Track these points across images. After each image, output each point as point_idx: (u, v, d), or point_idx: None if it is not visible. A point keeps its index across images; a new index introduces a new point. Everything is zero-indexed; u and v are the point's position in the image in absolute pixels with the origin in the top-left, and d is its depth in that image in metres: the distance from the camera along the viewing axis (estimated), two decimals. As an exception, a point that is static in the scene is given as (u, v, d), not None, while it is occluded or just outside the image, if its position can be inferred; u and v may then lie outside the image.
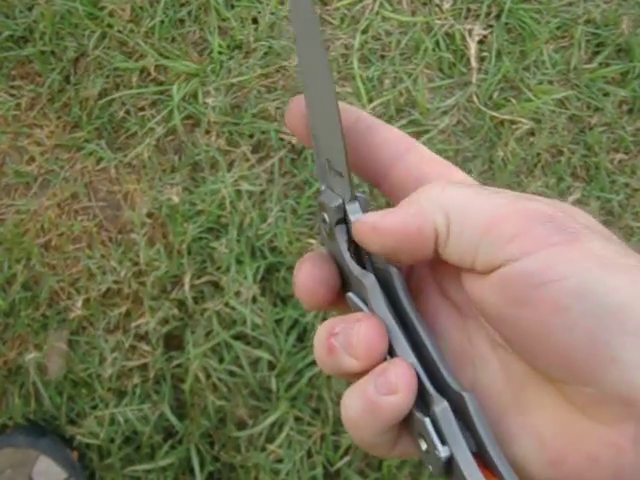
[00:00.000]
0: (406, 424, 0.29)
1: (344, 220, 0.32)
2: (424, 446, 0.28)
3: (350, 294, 0.31)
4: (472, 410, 0.27)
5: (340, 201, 0.32)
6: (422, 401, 0.29)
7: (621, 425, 0.25)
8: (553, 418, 0.28)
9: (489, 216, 0.28)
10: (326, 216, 0.32)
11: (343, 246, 0.32)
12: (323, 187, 0.33)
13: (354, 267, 0.31)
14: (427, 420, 0.27)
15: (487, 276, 0.27)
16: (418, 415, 0.28)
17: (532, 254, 0.26)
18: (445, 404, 0.27)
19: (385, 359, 0.29)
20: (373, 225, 0.30)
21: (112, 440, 0.92)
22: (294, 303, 0.93)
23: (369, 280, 0.31)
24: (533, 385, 0.29)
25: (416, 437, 0.29)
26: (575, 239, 0.26)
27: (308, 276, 0.32)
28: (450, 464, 0.27)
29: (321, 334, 0.31)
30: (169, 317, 0.95)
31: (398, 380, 0.28)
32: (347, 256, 0.32)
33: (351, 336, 0.29)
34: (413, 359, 0.29)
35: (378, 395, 0.28)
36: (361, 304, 0.31)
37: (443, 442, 0.27)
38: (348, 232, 0.32)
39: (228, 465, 0.92)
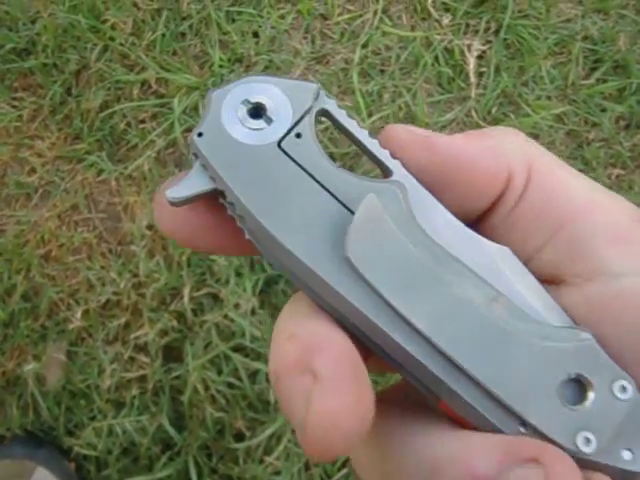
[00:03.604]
0: None
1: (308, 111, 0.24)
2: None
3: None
4: None
5: (317, 85, 0.25)
6: None
7: None
8: None
9: (583, 203, 0.23)
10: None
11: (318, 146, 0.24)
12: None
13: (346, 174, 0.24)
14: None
15: (578, 286, 0.23)
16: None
17: None
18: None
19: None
20: (427, 138, 0.23)
21: (110, 451, 0.92)
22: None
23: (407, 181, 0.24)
24: None
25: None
26: None
27: None
28: None
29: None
30: (168, 329, 0.95)
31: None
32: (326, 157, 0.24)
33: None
34: None
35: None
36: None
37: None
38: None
39: (226, 477, 0.92)
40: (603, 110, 1.11)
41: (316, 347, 0.20)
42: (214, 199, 0.24)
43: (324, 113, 0.25)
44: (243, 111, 0.23)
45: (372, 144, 0.24)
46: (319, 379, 0.19)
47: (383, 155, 0.24)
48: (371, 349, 0.23)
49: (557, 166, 0.23)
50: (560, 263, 0.23)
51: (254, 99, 0.24)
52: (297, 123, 0.23)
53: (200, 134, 0.23)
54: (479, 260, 0.23)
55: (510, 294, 0.22)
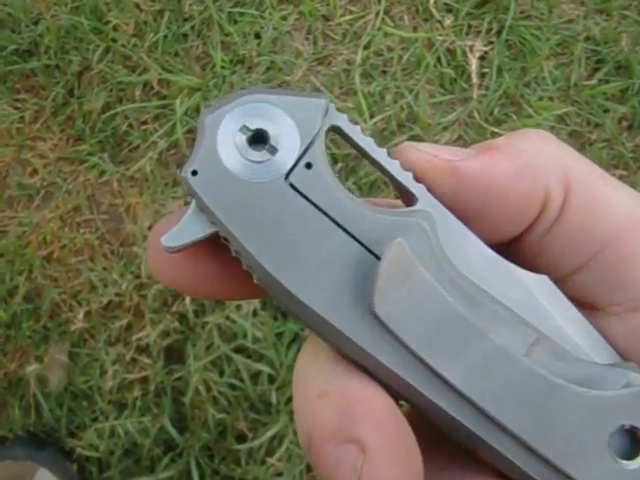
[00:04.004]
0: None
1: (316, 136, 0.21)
2: None
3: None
4: None
5: (325, 100, 0.21)
6: None
7: None
8: None
9: (625, 223, 0.21)
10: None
11: (334, 178, 0.21)
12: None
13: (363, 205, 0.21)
14: None
15: (618, 316, 0.21)
16: None
17: None
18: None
19: None
20: (451, 163, 0.20)
21: (112, 453, 0.92)
22: (295, 317, 0.93)
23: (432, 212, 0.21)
24: None
25: None
26: None
27: None
28: None
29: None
30: (170, 330, 0.95)
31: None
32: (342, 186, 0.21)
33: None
34: None
35: None
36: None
37: None
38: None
39: (228, 478, 0.92)
40: (605, 111, 1.10)
41: (357, 412, 0.18)
42: (216, 239, 0.21)
43: (335, 130, 0.21)
44: (242, 139, 0.20)
45: (392, 165, 0.22)
46: (368, 452, 0.18)
47: (405, 178, 0.22)
48: (397, 398, 0.21)
49: (596, 177, 0.21)
50: (596, 289, 0.21)
51: (254, 125, 0.20)
52: (306, 150, 0.20)
53: (194, 172, 0.20)
54: (516, 295, 0.21)
55: (551, 331, 0.21)
